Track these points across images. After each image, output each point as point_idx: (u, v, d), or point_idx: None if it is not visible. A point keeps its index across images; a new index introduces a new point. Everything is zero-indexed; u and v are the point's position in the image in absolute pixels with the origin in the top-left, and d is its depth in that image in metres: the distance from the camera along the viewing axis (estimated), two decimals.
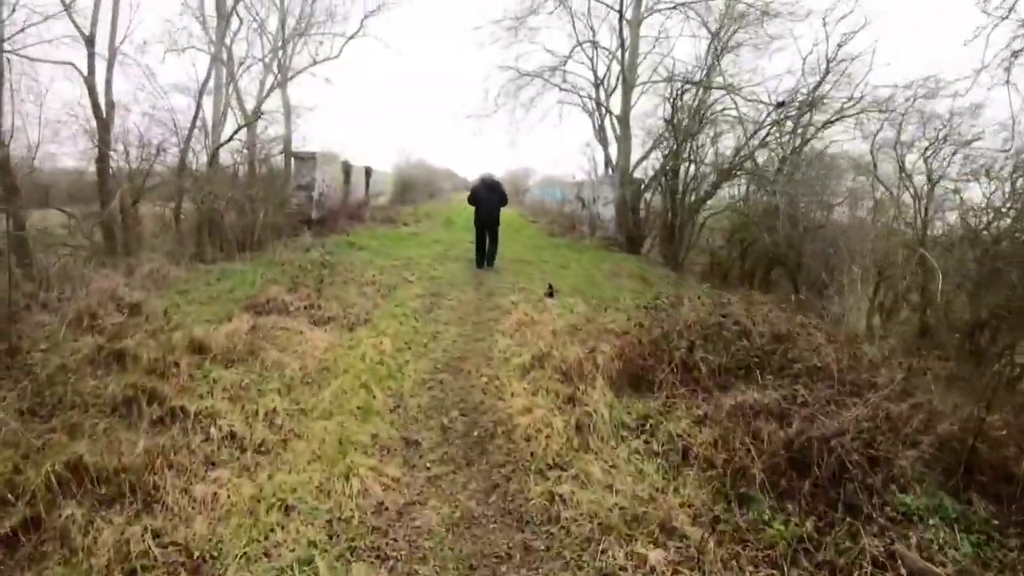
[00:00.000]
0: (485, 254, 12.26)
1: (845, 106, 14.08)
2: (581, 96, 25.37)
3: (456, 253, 13.68)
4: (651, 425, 4.65)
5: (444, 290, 9.53)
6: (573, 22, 20.18)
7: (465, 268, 11.87)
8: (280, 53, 19.20)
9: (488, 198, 12.38)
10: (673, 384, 5.10)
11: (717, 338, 5.50)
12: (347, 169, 19.76)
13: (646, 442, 4.48)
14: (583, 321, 7.54)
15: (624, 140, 17.96)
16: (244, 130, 16.54)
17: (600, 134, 25.26)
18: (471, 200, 12.64)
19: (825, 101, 14.44)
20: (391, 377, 5.83)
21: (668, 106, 16.74)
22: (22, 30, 11.50)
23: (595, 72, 23.76)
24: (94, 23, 12.86)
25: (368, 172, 23.23)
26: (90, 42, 12.43)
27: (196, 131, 13.65)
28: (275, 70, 18.79)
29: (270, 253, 11.66)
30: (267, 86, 17.84)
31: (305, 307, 7.64)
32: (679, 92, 16.60)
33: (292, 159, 17.19)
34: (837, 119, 14.41)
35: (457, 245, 15.09)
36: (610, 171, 23.37)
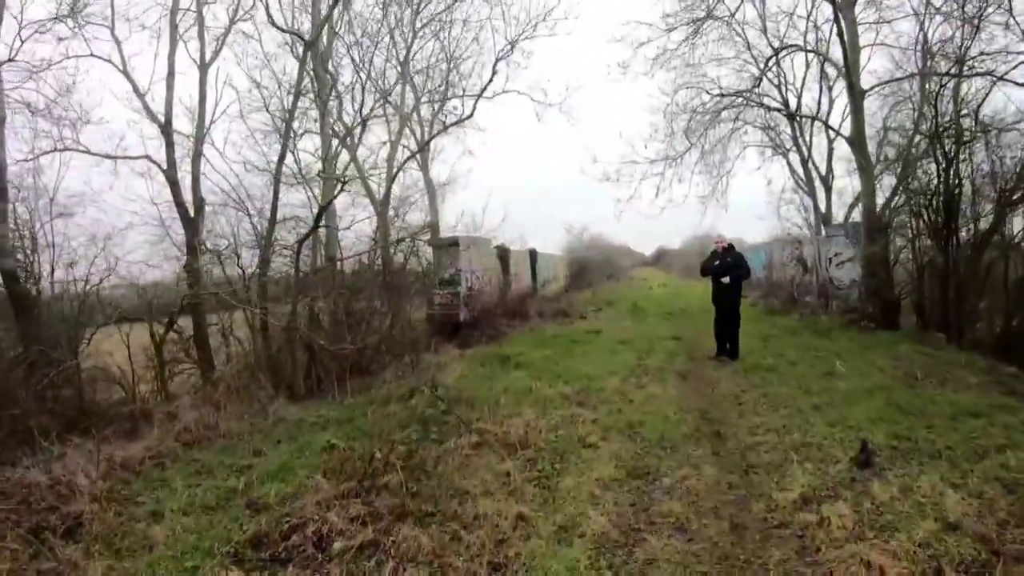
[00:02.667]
0: (724, 340, 9.65)
1: None
2: (770, 134, 20.72)
3: (657, 362, 9.34)
4: None
5: (654, 460, 5.18)
6: (764, 24, 15.67)
7: (678, 392, 7.49)
8: (409, 124, 16.69)
9: (716, 271, 9.63)
10: None
11: None
12: (504, 255, 16.34)
13: None
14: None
15: (865, 170, 12.70)
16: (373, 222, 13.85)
17: (804, 178, 20.17)
18: (703, 271, 10.15)
19: None
20: None
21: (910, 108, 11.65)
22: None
23: (786, 101, 18.99)
24: (169, 107, 10.64)
25: (533, 256, 19.78)
26: (166, 130, 10.17)
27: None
28: (405, 144, 16.06)
29: (379, 386, 8.12)
30: (396, 162, 14.98)
31: (361, 547, 3.66)
32: (941, 86, 11.50)
33: (431, 249, 13.98)
34: None
35: (655, 346, 10.78)
36: (823, 222, 18.08)
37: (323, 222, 11.37)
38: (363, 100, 15.81)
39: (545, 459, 5.29)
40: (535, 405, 7.09)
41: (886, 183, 13.74)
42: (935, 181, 11.43)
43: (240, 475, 5.35)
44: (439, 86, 17.88)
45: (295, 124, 12.68)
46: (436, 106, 18.38)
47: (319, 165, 14.05)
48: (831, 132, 18.23)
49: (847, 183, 24.91)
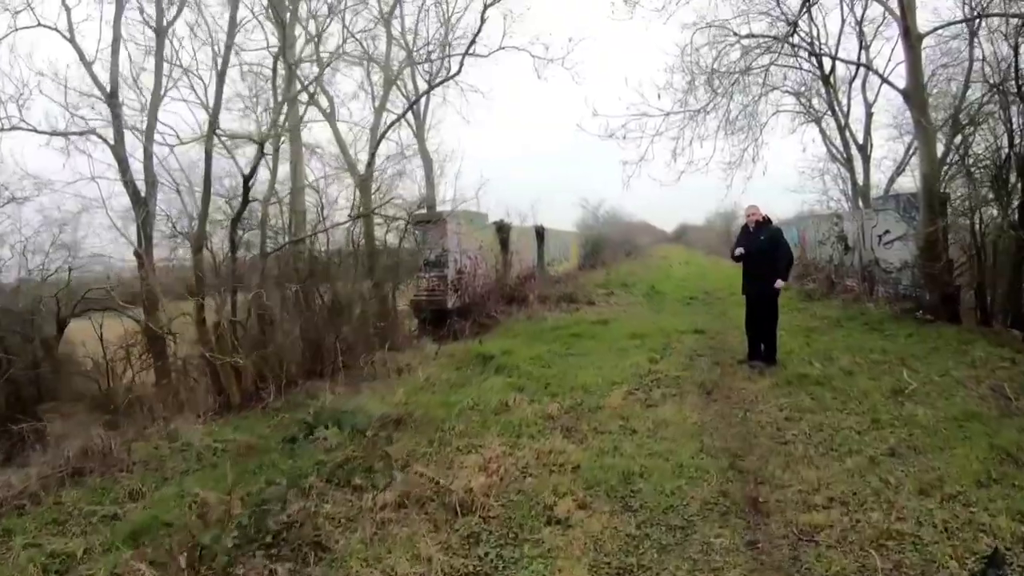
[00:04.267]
0: (757, 341, 7.69)
1: None
2: (802, 100, 18.42)
3: (674, 368, 7.49)
4: None
5: (653, 554, 3.32)
6: None
7: (699, 417, 5.62)
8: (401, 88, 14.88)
9: (749, 251, 7.55)
10: None
11: None
12: (503, 232, 14.49)
13: None
14: None
15: (925, 131, 10.42)
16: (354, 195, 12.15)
17: (840, 148, 17.95)
18: (735, 256, 7.85)
19: None
20: None
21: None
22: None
23: (820, 61, 16.69)
24: (114, 76, 9.09)
25: (540, 234, 17.91)
26: (112, 101, 8.63)
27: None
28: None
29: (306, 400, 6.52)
30: (381, 128, 13.13)
31: None
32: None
33: (414, 227, 12.18)
34: None
35: (672, 343, 9.00)
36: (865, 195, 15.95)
37: (280, 196, 9.73)
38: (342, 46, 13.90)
39: (492, 537, 3.57)
40: (505, 432, 5.39)
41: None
42: (1004, 142, 9.41)
43: (94, 533, 3.97)
44: (426, 44, 15.97)
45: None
46: (431, 66, 16.46)
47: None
48: (869, 95, 16.08)
49: (887, 152, 22.62)
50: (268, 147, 8.62)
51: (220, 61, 8.96)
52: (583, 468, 4.52)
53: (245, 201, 8.29)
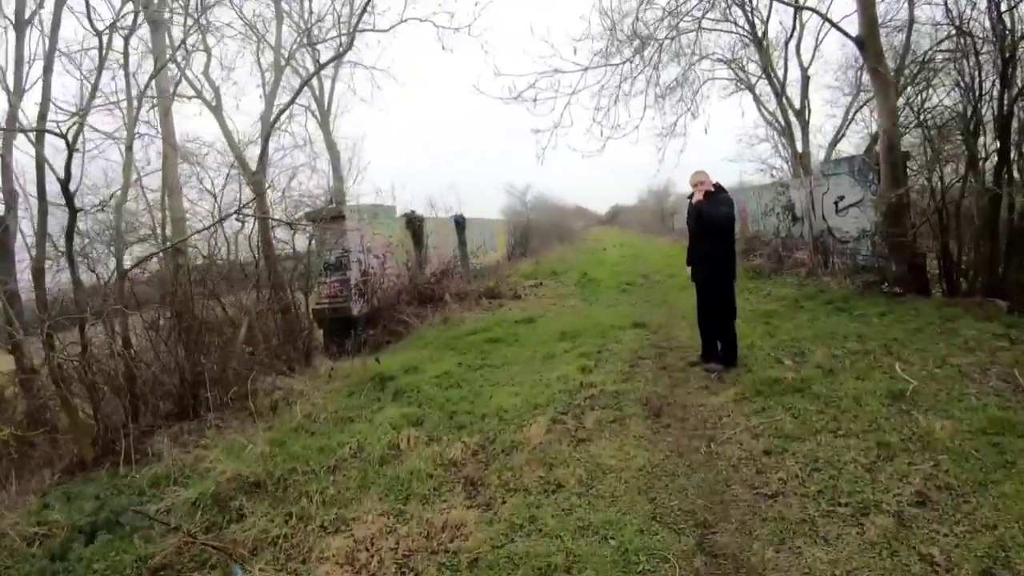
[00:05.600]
0: (713, 338, 6.19)
1: None
2: (734, 67, 17.33)
3: (611, 379, 5.92)
4: None
5: None
6: None
7: (648, 455, 4.10)
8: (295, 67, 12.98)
9: (695, 223, 6.12)
10: None
11: None
12: (415, 225, 12.77)
13: None
14: None
15: (884, 83, 8.99)
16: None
17: (778, 116, 16.92)
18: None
19: None
20: None
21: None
22: None
23: (752, 25, 15.61)
24: None
25: (460, 223, 16.28)
26: None
27: None
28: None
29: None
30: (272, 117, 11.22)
31: None
32: None
33: (313, 227, 10.42)
34: None
35: (609, 343, 7.51)
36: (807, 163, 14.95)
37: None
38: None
39: None
40: (390, 494, 3.92)
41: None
42: (969, 98, 8.27)
43: None
44: (319, 21, 14.08)
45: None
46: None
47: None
48: (804, 58, 15.07)
49: (823, 120, 21.92)
50: (126, 145, 6.70)
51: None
52: (483, 560, 2.99)
53: (72, 210, 6.38)
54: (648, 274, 14.88)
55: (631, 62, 10.00)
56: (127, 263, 7.24)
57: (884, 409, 4.37)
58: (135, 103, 7.98)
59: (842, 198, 10.51)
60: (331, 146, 16.50)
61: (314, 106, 16.50)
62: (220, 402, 6.49)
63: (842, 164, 10.93)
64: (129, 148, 8.10)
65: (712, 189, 5.93)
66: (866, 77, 12.74)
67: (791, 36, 15.70)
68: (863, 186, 9.85)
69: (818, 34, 16.42)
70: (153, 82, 8.84)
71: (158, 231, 10.36)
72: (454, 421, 5.21)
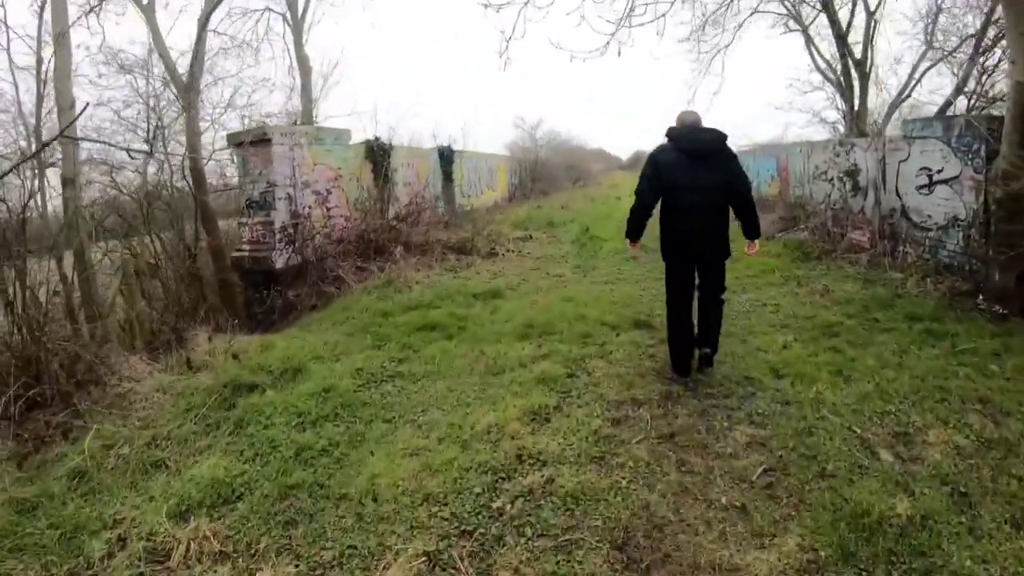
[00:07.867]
0: (692, 340, 4.38)
1: None
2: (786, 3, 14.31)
3: (577, 438, 3.50)
4: None
5: None
6: None
7: None
8: None
9: (691, 180, 4.16)
10: None
11: None
12: (377, 154, 10.17)
13: None
14: None
15: (1018, 14, 6.23)
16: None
17: (835, 65, 14.00)
18: (648, 185, 4.40)
19: None
20: None
21: None
22: None
23: None
24: None
25: (446, 157, 13.70)
26: None
27: None
28: None
29: None
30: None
31: None
32: None
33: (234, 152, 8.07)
34: None
35: (591, 350, 5.10)
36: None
37: None
38: None
39: None
40: None
41: None
42: None
43: None
44: None
45: None
46: None
47: None
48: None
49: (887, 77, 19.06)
50: None
51: None
52: None
53: None
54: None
55: None
56: None
57: None
58: None
59: (929, 170, 7.82)
60: (302, 60, 13.88)
61: (288, 14, 13.76)
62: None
63: (934, 125, 8.14)
64: None
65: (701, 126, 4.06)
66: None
67: None
68: (963, 159, 7.19)
69: None
70: None
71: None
72: (283, 515, 2.93)
